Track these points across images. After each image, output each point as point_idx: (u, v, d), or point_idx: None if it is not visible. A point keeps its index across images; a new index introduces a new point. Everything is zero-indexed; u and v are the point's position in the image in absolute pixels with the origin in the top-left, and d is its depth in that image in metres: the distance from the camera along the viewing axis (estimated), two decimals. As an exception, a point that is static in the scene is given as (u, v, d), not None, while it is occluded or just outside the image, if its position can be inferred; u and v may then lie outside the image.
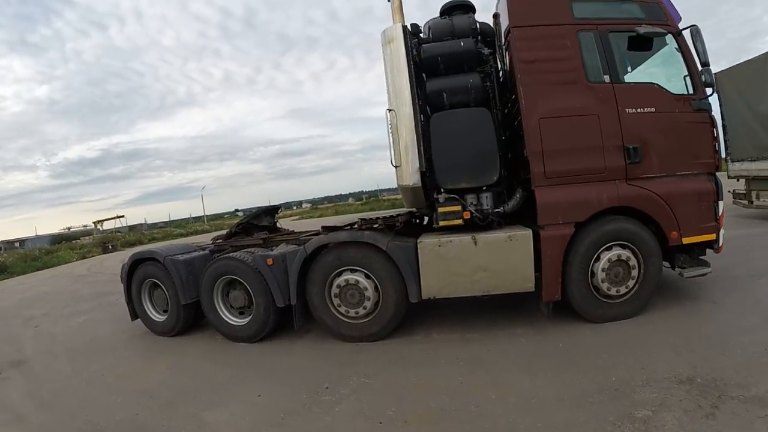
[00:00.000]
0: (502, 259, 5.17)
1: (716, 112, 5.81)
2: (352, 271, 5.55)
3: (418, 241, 5.35)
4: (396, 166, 5.49)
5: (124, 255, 26.78)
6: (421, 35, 5.85)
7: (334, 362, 5.13)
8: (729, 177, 11.76)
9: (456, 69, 5.56)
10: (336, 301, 5.60)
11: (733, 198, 11.96)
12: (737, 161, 11.77)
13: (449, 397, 4.05)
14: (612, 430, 3.29)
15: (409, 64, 5.40)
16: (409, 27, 5.72)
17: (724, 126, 10.81)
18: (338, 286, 5.56)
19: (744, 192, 12.00)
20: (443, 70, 5.57)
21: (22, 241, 52.07)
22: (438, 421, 3.70)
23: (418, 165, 5.39)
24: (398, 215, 5.64)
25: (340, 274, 5.58)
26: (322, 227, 5.98)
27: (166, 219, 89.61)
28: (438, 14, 6.05)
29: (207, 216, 72.04)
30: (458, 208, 5.37)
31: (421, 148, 5.43)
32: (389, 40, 5.45)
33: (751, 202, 11.82)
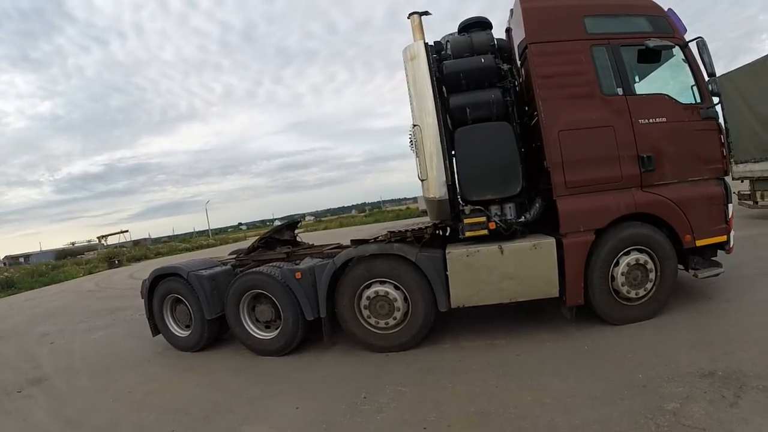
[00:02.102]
0: (528, 266, 5.33)
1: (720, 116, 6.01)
2: (381, 282, 5.67)
3: (447, 251, 5.48)
4: (422, 180, 5.64)
5: (131, 270, 26.98)
6: (442, 52, 6.00)
7: (367, 373, 5.21)
8: (733, 179, 11.89)
9: (477, 84, 5.72)
10: (365, 312, 5.71)
11: (739, 199, 12.15)
12: (741, 163, 11.99)
13: (486, 401, 4.16)
14: (645, 422, 3.45)
15: (432, 80, 5.57)
16: (431, 44, 5.88)
17: (727, 129, 11.01)
18: (368, 298, 5.68)
19: (749, 193, 12.26)
20: (465, 85, 5.72)
21: (27, 257, 51.62)
22: (480, 424, 3.82)
23: (444, 178, 5.54)
24: (426, 227, 5.76)
25: (369, 286, 5.69)
26: (351, 240, 6.08)
27: (170, 233, 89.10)
28: (456, 31, 6.20)
29: (211, 230, 71.99)
30: (483, 219, 5.53)
31: (447, 161, 5.58)
32: (412, 57, 5.61)
33: (756, 203, 12.10)
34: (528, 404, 4.01)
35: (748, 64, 11.65)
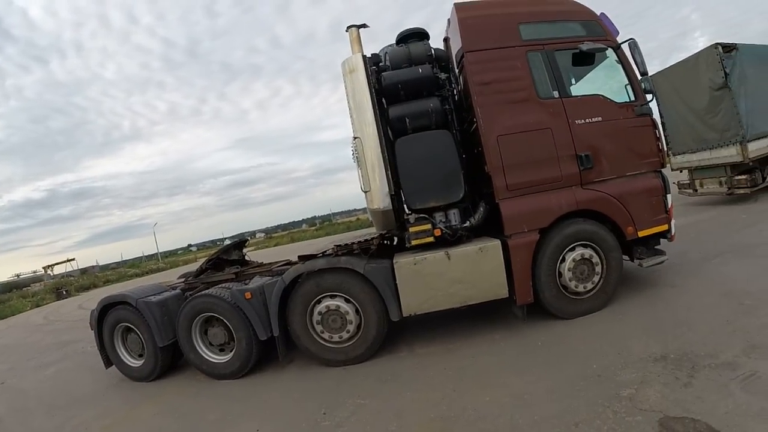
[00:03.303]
0: (476, 270, 5.39)
1: (655, 112, 6.24)
2: (332, 296, 5.61)
3: (394, 261, 5.49)
4: (366, 191, 5.62)
5: (80, 300, 26.05)
6: (380, 64, 6.04)
7: (325, 388, 5.15)
8: (672, 170, 12.58)
9: (416, 94, 5.78)
10: (318, 327, 5.64)
11: (679, 189, 12.75)
12: (679, 154, 12.63)
13: (446, 405, 4.18)
14: (603, 410, 3.53)
15: (371, 92, 5.57)
16: (368, 56, 5.90)
17: (663, 124, 11.58)
18: (319, 313, 5.61)
19: (688, 182, 12.89)
20: (404, 96, 5.78)
21: (-29, 293, 48.55)
22: (442, 430, 3.82)
23: (387, 189, 5.55)
24: (372, 238, 5.75)
25: (320, 301, 5.63)
26: (299, 256, 6.00)
27: (119, 259, 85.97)
28: (394, 42, 6.27)
29: (160, 253, 70.11)
30: (428, 226, 5.57)
31: (389, 172, 5.60)
32: (350, 70, 5.61)
33: (696, 191, 12.74)
34: (487, 404, 4.04)
35: (682, 61, 12.24)
